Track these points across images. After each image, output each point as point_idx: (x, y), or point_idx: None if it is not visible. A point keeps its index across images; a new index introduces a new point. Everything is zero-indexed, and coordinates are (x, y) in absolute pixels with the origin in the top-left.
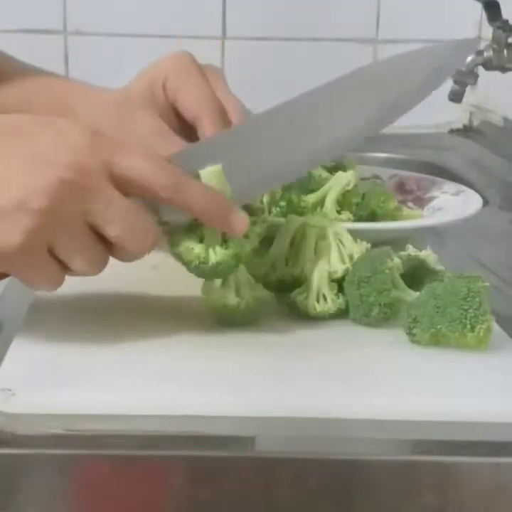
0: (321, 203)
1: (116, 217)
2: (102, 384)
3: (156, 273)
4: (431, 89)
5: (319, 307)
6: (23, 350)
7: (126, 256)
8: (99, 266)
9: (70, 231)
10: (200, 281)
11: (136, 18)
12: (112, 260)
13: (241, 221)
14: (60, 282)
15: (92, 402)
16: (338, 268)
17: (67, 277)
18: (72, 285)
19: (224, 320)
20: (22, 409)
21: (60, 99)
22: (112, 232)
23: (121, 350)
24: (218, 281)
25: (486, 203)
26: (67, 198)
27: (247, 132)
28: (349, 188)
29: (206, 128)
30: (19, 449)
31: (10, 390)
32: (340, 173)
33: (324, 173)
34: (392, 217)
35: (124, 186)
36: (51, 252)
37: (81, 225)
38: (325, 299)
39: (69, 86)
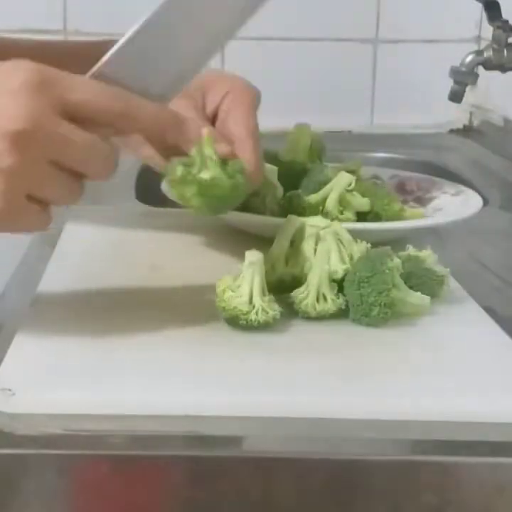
0: (322, 203)
1: (77, 152)
2: (102, 384)
3: (156, 272)
4: None
5: (319, 307)
6: (23, 350)
7: (100, 179)
8: (77, 194)
9: (39, 176)
10: (200, 281)
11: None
12: (112, 260)
13: (195, 129)
14: (48, 220)
15: (92, 402)
16: (339, 268)
17: (65, 280)
18: (72, 285)
19: (234, 323)
20: (22, 409)
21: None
22: (76, 166)
23: (120, 350)
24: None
25: (486, 203)
26: (28, 149)
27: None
28: (350, 188)
29: (248, 154)
30: (19, 449)
31: (10, 390)
32: (342, 174)
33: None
34: (396, 219)
35: (79, 119)
36: (29, 198)
37: (48, 168)
38: (325, 299)
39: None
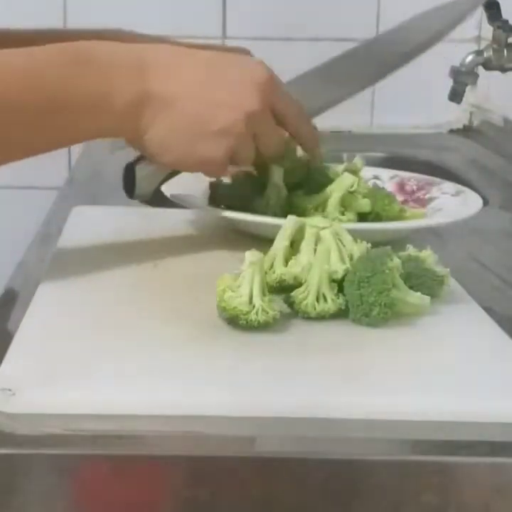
0: (324, 204)
1: (271, 142)
2: (102, 384)
3: (156, 272)
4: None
5: (319, 307)
6: (23, 351)
7: (268, 154)
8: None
9: (247, 148)
10: (200, 281)
11: (136, 18)
12: (112, 260)
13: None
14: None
15: (92, 402)
16: (338, 268)
17: (65, 280)
18: (71, 285)
19: (234, 323)
20: (22, 409)
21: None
22: (263, 147)
23: (121, 350)
24: (234, 287)
25: (486, 203)
26: (251, 125)
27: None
28: (352, 189)
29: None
30: (19, 449)
31: (10, 390)
32: (344, 175)
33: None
34: (397, 219)
35: (276, 118)
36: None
37: (252, 143)
38: (325, 299)
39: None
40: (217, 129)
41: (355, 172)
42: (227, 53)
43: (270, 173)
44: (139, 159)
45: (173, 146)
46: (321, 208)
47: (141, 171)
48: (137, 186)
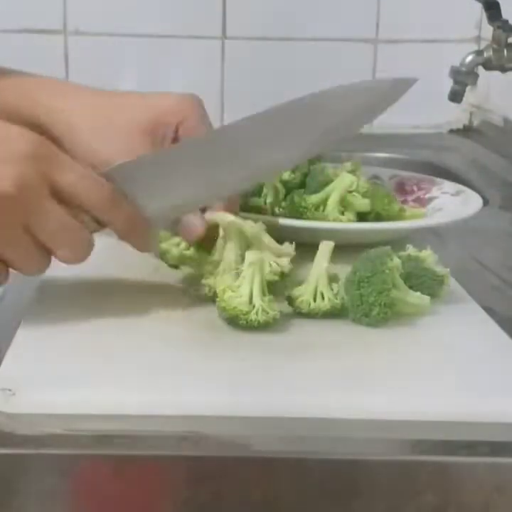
0: (323, 203)
1: (54, 230)
2: (102, 384)
3: (157, 275)
4: (362, 124)
5: (313, 304)
6: (23, 351)
7: (66, 262)
8: (41, 267)
9: (11, 239)
10: (200, 281)
11: (136, 18)
12: (112, 260)
13: (151, 246)
14: (4, 280)
15: (92, 402)
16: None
17: (65, 280)
18: (71, 286)
19: (234, 324)
20: (22, 409)
21: (28, 95)
22: (50, 243)
23: (121, 351)
24: (234, 286)
25: (486, 203)
26: (8, 211)
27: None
28: (352, 189)
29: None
30: (19, 449)
31: (10, 390)
32: (343, 175)
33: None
34: (397, 218)
35: (65, 200)
36: None
37: (21, 233)
38: (322, 297)
39: (40, 82)
40: None
41: (353, 171)
42: None
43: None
44: None
45: None
46: (320, 207)
47: None
48: None
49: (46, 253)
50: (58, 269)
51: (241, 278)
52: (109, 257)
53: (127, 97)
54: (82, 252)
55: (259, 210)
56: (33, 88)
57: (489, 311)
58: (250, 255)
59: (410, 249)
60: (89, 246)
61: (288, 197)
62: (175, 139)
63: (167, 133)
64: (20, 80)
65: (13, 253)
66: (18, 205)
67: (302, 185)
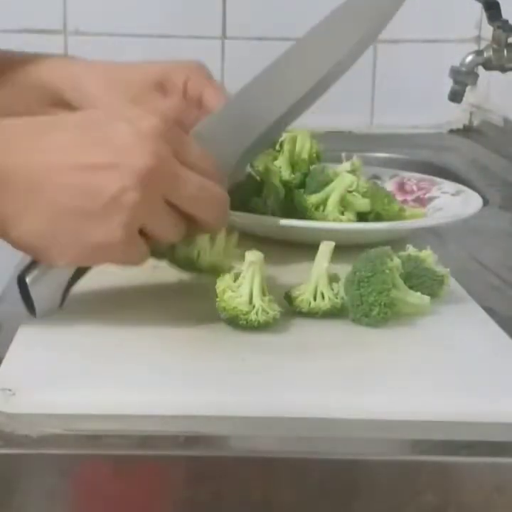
0: (323, 203)
1: (194, 194)
2: (102, 384)
3: (157, 273)
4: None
5: (313, 303)
6: (23, 350)
7: (208, 225)
8: (181, 233)
9: (156, 212)
10: (200, 281)
11: (136, 18)
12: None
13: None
14: (147, 256)
15: (92, 402)
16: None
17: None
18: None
19: (234, 324)
20: (22, 409)
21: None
22: (188, 205)
23: (121, 350)
24: (234, 286)
25: (486, 203)
26: (152, 186)
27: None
28: (352, 189)
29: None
30: (19, 449)
31: (10, 390)
32: (343, 175)
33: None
34: (397, 218)
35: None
36: (141, 231)
37: (165, 207)
38: (323, 297)
39: (68, 61)
40: (104, 202)
41: (353, 171)
42: (99, 110)
43: (268, 173)
44: (31, 266)
45: (59, 239)
46: (321, 207)
47: (36, 284)
48: (36, 303)
49: (186, 221)
50: None
51: (241, 278)
52: None
53: (136, 62)
54: (221, 210)
55: (258, 211)
56: (51, 66)
57: (489, 311)
58: (250, 255)
59: (410, 249)
60: (226, 202)
61: (289, 196)
62: (184, 93)
63: (176, 87)
64: (37, 60)
65: (157, 224)
66: (159, 177)
67: (302, 185)
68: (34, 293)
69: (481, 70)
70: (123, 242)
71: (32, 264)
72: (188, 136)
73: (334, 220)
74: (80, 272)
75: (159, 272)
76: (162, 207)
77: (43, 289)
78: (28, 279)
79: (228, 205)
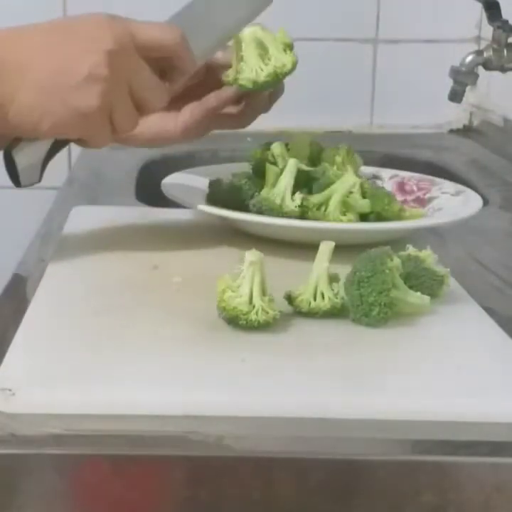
0: (325, 203)
1: (146, 78)
2: (102, 384)
3: (156, 273)
4: None
5: (313, 303)
6: (23, 350)
7: (150, 109)
8: (134, 124)
9: (122, 94)
10: (200, 281)
11: (136, 18)
12: (112, 260)
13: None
14: (109, 140)
15: (92, 402)
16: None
17: (65, 280)
18: (72, 285)
19: (234, 324)
20: (22, 409)
21: None
22: (143, 92)
23: (121, 350)
24: (234, 287)
25: (486, 203)
26: (116, 65)
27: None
28: (354, 190)
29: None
30: (19, 449)
31: (10, 390)
32: (346, 177)
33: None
34: (397, 218)
35: (145, 54)
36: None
37: (127, 89)
38: (323, 297)
39: None
40: (82, 78)
41: (349, 155)
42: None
43: (268, 173)
44: (14, 142)
45: (46, 107)
46: (322, 208)
47: (20, 155)
48: (21, 173)
49: (138, 112)
50: (58, 270)
51: (241, 278)
52: (107, 256)
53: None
54: (164, 97)
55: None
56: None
57: (489, 311)
58: (250, 255)
59: (410, 249)
60: (166, 93)
61: (297, 196)
62: None
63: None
64: None
65: (119, 113)
66: (121, 58)
67: (306, 185)
68: (18, 162)
69: (481, 70)
70: (100, 109)
71: (16, 141)
72: (139, 21)
73: (335, 221)
74: (56, 147)
75: (159, 271)
76: (125, 89)
77: (26, 159)
78: (14, 151)
79: (168, 93)
